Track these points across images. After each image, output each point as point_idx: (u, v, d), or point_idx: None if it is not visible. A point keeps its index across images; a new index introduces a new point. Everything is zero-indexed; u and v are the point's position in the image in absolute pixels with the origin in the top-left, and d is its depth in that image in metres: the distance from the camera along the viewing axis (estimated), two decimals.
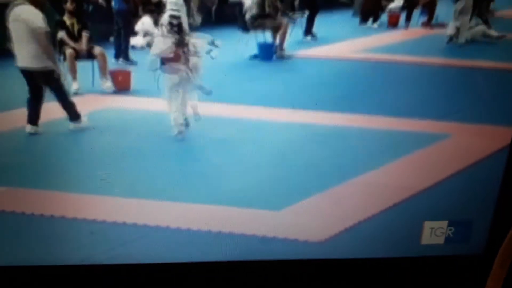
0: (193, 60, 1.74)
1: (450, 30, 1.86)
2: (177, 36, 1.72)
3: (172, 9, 1.68)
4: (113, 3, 1.71)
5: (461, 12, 1.87)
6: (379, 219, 1.68)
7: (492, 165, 1.66)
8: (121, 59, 1.82)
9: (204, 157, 1.72)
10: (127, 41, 1.80)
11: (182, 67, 1.76)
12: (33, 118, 1.65)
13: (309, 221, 1.68)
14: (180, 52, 1.74)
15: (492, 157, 1.67)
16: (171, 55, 1.75)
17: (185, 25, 1.70)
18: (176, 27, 1.71)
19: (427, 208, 1.70)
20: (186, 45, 1.73)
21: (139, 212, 1.64)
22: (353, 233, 1.68)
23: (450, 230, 1.71)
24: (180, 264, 1.66)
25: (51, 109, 1.65)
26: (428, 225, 1.70)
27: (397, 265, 1.73)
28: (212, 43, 1.67)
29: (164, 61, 1.75)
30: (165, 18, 1.70)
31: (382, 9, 1.99)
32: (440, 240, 1.72)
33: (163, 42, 1.74)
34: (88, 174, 1.61)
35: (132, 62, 1.82)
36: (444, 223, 1.70)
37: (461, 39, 1.89)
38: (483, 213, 1.70)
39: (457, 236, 1.72)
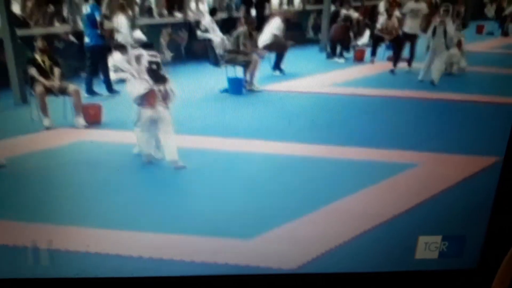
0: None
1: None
2: (155, 78, 1.79)
3: (150, 55, 1.75)
4: (86, 39, 1.77)
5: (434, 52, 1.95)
6: (369, 236, 1.69)
7: (485, 181, 1.68)
8: (107, 92, 1.86)
9: (175, 188, 1.75)
10: (107, 74, 1.84)
11: (160, 103, 1.81)
12: None
13: (282, 248, 1.68)
14: (157, 89, 1.80)
15: (485, 174, 1.69)
16: (150, 93, 1.81)
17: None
18: (155, 71, 1.77)
19: (421, 223, 1.70)
20: (164, 80, 1.79)
21: (110, 243, 1.64)
22: (336, 252, 1.69)
23: (444, 244, 1.70)
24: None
25: (18, 144, 1.69)
26: (422, 239, 1.69)
27: (392, 279, 1.72)
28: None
29: (142, 98, 1.81)
30: (143, 63, 1.76)
31: (348, 44, 2.08)
32: (434, 255, 1.72)
33: (139, 84, 1.80)
34: (59, 205, 1.62)
35: (117, 92, 1.85)
36: (438, 238, 1.70)
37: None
38: (477, 227, 1.70)
39: (451, 250, 1.71)
